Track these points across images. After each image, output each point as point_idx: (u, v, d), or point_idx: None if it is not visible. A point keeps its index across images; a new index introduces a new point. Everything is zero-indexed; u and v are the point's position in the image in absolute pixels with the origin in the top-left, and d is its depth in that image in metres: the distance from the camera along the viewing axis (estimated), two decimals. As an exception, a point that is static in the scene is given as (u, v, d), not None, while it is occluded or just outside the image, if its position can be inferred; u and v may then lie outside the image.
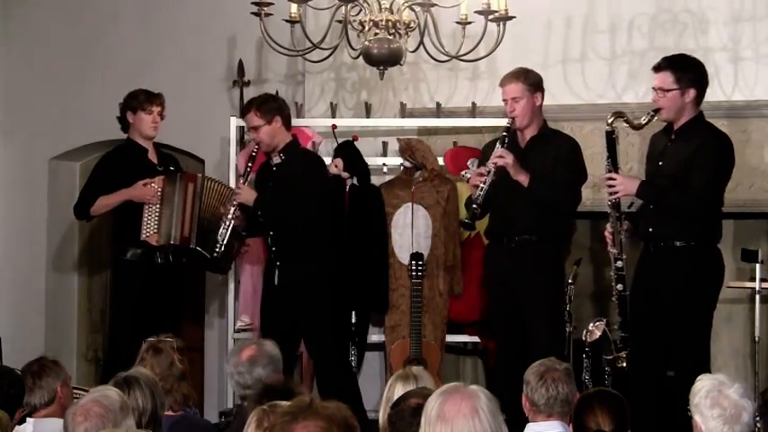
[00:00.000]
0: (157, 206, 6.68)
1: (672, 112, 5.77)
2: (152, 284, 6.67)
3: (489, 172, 6.04)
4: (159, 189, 6.69)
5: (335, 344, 6.53)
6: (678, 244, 5.72)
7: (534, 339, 6.04)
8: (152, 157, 6.86)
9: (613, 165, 5.80)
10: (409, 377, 4.30)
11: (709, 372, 5.55)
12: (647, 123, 5.82)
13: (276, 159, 6.47)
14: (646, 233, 5.82)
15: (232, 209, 6.51)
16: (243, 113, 6.58)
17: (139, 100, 6.78)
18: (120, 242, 6.77)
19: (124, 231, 6.73)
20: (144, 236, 6.65)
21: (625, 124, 5.83)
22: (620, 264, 5.79)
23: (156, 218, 6.68)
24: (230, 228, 6.52)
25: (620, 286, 5.79)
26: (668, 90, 5.74)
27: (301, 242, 6.38)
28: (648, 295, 5.76)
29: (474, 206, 6.04)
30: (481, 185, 6.03)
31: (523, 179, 6.04)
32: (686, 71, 5.78)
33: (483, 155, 6.43)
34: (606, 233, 5.85)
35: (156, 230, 6.66)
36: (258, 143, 6.45)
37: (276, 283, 6.40)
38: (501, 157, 6.04)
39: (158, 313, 6.59)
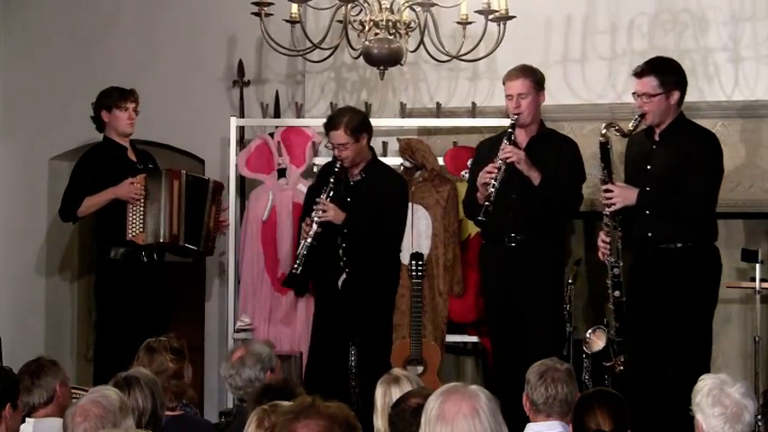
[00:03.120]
0: (142, 205, 6.67)
1: (657, 117, 5.80)
2: (137, 283, 6.67)
3: (499, 169, 6.01)
4: (142, 187, 6.68)
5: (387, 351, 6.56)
6: (679, 245, 5.73)
7: (534, 340, 6.03)
8: (130, 155, 6.87)
9: (609, 175, 5.81)
10: (401, 379, 4.32)
11: (709, 370, 5.60)
12: (635, 130, 5.84)
13: (357, 177, 6.41)
14: (643, 237, 5.81)
15: (315, 227, 6.25)
16: (331, 127, 6.31)
17: (113, 98, 6.78)
18: (104, 241, 6.77)
19: (107, 230, 6.74)
20: (130, 235, 6.65)
21: (617, 134, 5.83)
22: (616, 271, 5.79)
23: (141, 216, 6.67)
24: (309, 247, 6.26)
25: (617, 293, 5.79)
26: (653, 95, 5.77)
27: (374, 250, 6.39)
28: (650, 297, 5.76)
29: (487, 203, 5.98)
30: (493, 182, 5.99)
31: (535, 176, 6.04)
32: (669, 74, 5.81)
33: (478, 153, 6.42)
34: (600, 242, 5.84)
35: (141, 230, 6.66)
36: (342, 160, 6.31)
37: (340, 287, 6.38)
38: (511, 153, 6.02)
39: (145, 312, 6.61)
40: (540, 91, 6.19)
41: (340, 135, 6.29)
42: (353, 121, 6.32)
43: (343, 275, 6.38)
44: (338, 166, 6.33)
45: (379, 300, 6.46)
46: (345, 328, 6.43)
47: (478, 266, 6.55)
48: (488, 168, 6.06)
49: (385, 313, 6.52)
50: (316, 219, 6.28)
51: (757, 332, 6.51)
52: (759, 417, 3.88)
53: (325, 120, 6.47)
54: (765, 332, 6.65)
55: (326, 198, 6.30)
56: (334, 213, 6.28)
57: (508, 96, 6.17)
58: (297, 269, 6.31)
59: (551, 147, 6.20)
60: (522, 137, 6.21)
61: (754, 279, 6.46)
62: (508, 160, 6.02)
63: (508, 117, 6.91)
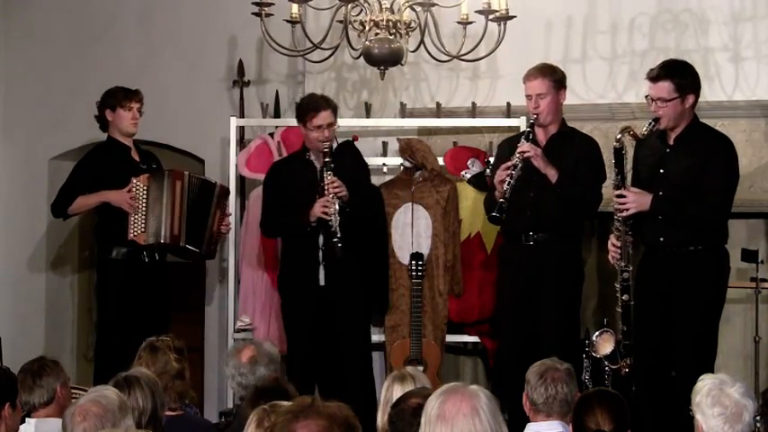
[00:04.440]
0: (144, 205, 6.68)
1: (672, 121, 5.71)
2: (138, 283, 6.68)
3: (516, 166, 5.98)
4: (145, 187, 6.69)
5: (367, 349, 6.58)
6: (691, 249, 5.70)
7: (548, 339, 6.00)
8: (134, 155, 6.87)
9: (622, 180, 5.74)
10: (406, 377, 4.33)
11: (713, 371, 5.58)
12: (649, 134, 5.79)
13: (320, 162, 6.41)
14: (655, 242, 5.77)
15: (337, 204, 6.22)
16: (320, 107, 6.31)
17: (118, 98, 6.78)
18: (105, 241, 6.78)
19: (108, 230, 6.74)
20: (131, 235, 6.65)
21: (632, 139, 5.79)
22: (626, 275, 5.74)
23: (143, 217, 6.67)
24: (341, 215, 6.23)
25: (625, 296, 5.74)
26: (669, 99, 5.67)
27: (351, 240, 6.35)
28: (660, 301, 5.73)
29: (502, 200, 5.95)
30: (508, 179, 5.96)
31: (552, 173, 5.99)
32: (684, 78, 5.72)
33: (499, 151, 6.39)
34: (611, 245, 5.81)
35: (143, 230, 6.66)
36: (330, 141, 6.33)
37: (322, 283, 6.38)
38: (528, 150, 5.98)
39: (146, 312, 6.62)
40: (559, 90, 6.12)
41: (330, 115, 6.33)
42: (335, 105, 6.43)
43: (321, 270, 6.36)
44: (327, 148, 6.31)
45: (357, 296, 6.45)
46: (327, 325, 6.44)
47: (497, 264, 6.52)
48: (504, 166, 6.03)
49: (362, 310, 6.50)
50: (334, 192, 6.23)
51: (757, 332, 6.52)
52: (759, 417, 3.87)
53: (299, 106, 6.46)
54: (765, 332, 6.66)
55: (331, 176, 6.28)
56: (346, 188, 6.28)
57: (527, 96, 6.11)
58: (339, 239, 6.22)
59: (570, 145, 6.14)
60: (541, 136, 6.16)
61: (754, 279, 6.47)
62: (525, 156, 5.96)
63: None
